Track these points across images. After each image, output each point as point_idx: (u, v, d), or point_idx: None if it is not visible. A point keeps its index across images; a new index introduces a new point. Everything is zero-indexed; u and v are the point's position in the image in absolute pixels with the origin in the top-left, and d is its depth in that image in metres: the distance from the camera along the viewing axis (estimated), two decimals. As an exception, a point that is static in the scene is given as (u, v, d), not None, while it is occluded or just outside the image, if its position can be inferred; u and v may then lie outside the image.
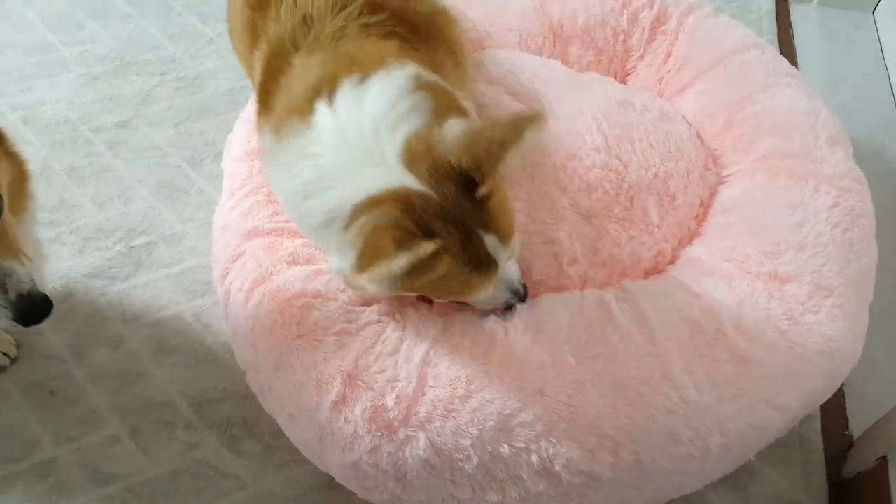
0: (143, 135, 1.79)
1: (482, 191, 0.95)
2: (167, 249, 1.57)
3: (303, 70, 1.06)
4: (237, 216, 1.33)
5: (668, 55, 1.59)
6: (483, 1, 1.64)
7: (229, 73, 1.89)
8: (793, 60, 2.07)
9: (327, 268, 1.19)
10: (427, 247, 0.90)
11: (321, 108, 1.01)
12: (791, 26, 2.18)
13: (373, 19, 1.11)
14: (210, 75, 1.90)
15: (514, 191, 1.23)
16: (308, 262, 1.25)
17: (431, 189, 0.94)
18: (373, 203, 0.95)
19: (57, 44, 1.99)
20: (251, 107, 1.53)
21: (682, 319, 1.07)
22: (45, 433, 1.30)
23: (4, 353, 1.39)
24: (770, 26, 2.14)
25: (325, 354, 1.12)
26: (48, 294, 1.00)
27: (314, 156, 1.01)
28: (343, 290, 1.20)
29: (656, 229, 1.22)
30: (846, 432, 1.36)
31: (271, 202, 1.32)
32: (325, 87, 1.02)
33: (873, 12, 2.22)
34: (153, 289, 1.52)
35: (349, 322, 1.14)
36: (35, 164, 1.73)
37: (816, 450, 1.31)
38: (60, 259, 1.56)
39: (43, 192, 1.69)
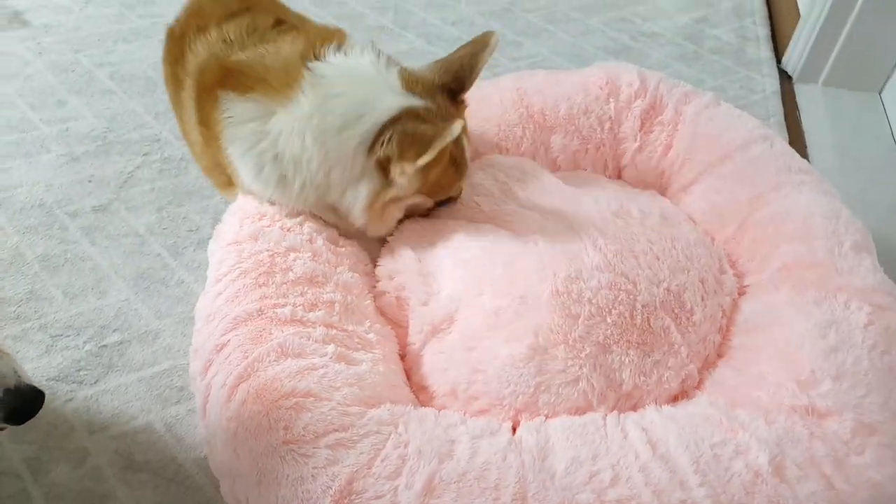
0: (123, 220, 1.68)
1: (463, 96, 1.29)
2: (141, 349, 1.46)
3: (268, 52, 1.32)
4: (223, 302, 1.15)
5: (669, 147, 1.47)
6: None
7: (216, 152, 1.81)
8: (801, 143, 2.02)
9: (320, 361, 1.06)
10: (457, 126, 1.12)
11: (318, 65, 1.24)
12: (797, 107, 2.15)
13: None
14: (195, 156, 1.82)
15: (522, 324, 1.10)
16: (299, 355, 1.07)
17: (428, 103, 1.21)
18: (393, 120, 1.19)
19: (37, 122, 1.85)
20: (243, 198, 1.45)
21: (715, 458, 0.93)
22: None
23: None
24: (776, 107, 2.10)
25: (314, 470, 0.96)
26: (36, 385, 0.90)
27: (340, 94, 1.22)
28: (337, 389, 1.06)
29: (681, 350, 1.10)
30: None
31: (260, 286, 1.16)
32: (309, 54, 1.26)
33: (880, 93, 2.20)
34: (123, 394, 1.39)
35: (344, 430, 0.99)
36: (5, 252, 1.62)
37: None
38: (26, 359, 1.42)
39: (12, 283, 1.56)
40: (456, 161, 1.26)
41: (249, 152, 1.30)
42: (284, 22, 1.43)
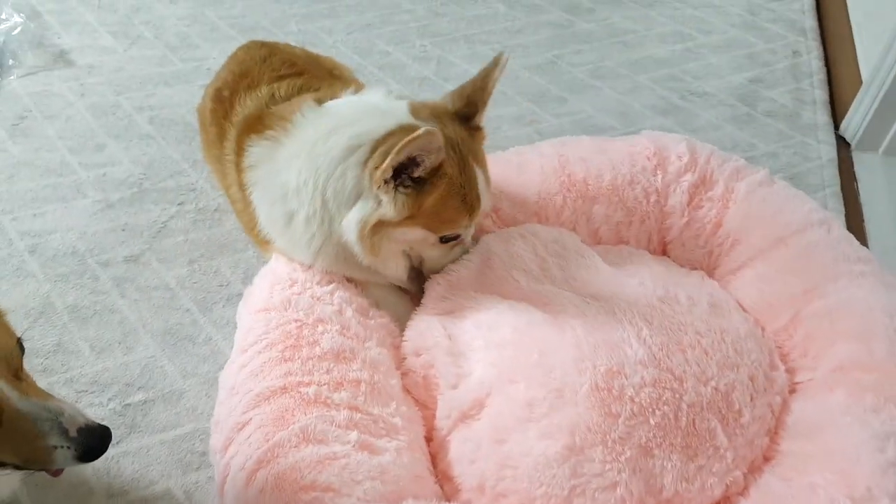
0: (154, 272, 1.69)
1: (477, 119, 1.30)
2: (164, 409, 1.46)
3: (294, 101, 1.41)
4: (246, 376, 1.16)
5: (718, 225, 1.43)
6: (504, 163, 1.53)
7: (251, 203, 1.83)
8: (859, 216, 1.96)
9: (342, 449, 1.05)
10: (426, 129, 1.11)
11: (330, 102, 1.36)
12: (855, 178, 2.08)
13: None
14: (230, 208, 1.82)
15: (557, 419, 1.07)
16: (321, 441, 1.06)
17: (432, 124, 1.21)
18: (389, 135, 1.21)
19: (75, 165, 1.90)
20: (276, 260, 1.46)
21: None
22: None
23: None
24: (832, 176, 2.03)
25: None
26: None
27: (333, 115, 1.30)
28: (359, 483, 1.03)
29: (727, 455, 1.05)
30: None
31: (286, 360, 1.16)
32: (326, 98, 1.38)
33: (945, 162, 2.13)
34: (145, 457, 1.39)
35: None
36: (36, 301, 1.64)
37: None
38: (48, 414, 1.45)
39: (41, 334, 1.58)
40: (462, 191, 1.24)
41: (264, 192, 1.37)
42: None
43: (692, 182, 1.47)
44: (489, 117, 2.13)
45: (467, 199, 1.25)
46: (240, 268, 1.68)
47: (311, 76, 1.59)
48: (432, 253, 1.33)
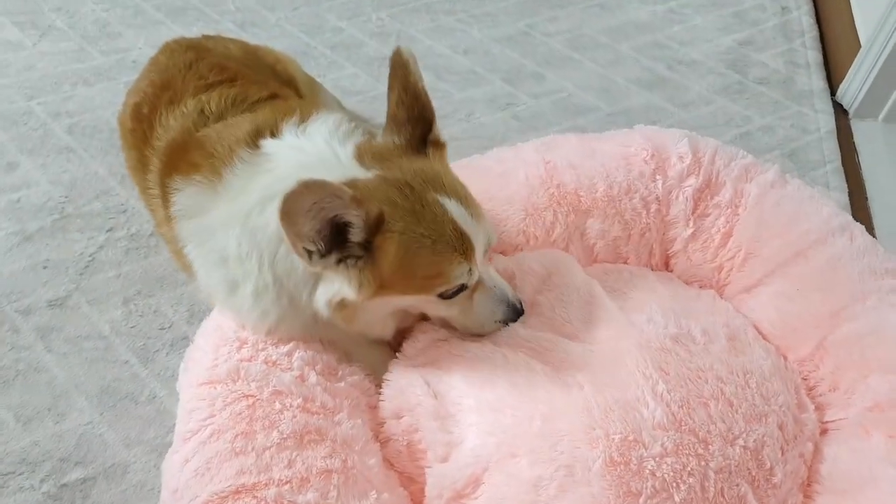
0: (84, 317, 1.48)
1: (433, 135, 1.10)
2: (107, 488, 1.27)
3: (226, 128, 1.20)
4: (191, 475, 0.99)
5: (728, 235, 1.30)
6: (483, 173, 1.36)
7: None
8: (861, 193, 1.84)
9: None
10: (301, 183, 0.89)
11: (269, 143, 1.13)
12: (856, 150, 1.95)
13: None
14: (168, 232, 1.63)
15: (569, 502, 0.94)
16: None
17: (375, 170, 1.05)
18: None
19: None
20: (218, 314, 1.26)
21: None
22: None
23: None
24: (833, 151, 1.90)
25: None
26: None
27: (270, 170, 1.09)
28: None
29: None
30: None
31: (237, 453, 0.99)
32: (265, 131, 1.16)
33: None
34: (88, 549, 1.24)
35: None
36: (-55, 363, 1.46)
37: None
38: (-31, 503, 1.28)
39: (-47, 404, 1.41)
40: (429, 239, 1.01)
41: (199, 250, 1.17)
42: (279, 97, 1.33)
43: (696, 187, 1.32)
44: (458, 100, 1.97)
45: (438, 245, 1.02)
46: (182, 304, 1.50)
47: (246, 82, 1.38)
48: (448, 312, 1.12)
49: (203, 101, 1.29)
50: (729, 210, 1.31)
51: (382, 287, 1.01)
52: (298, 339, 1.13)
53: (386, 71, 1.06)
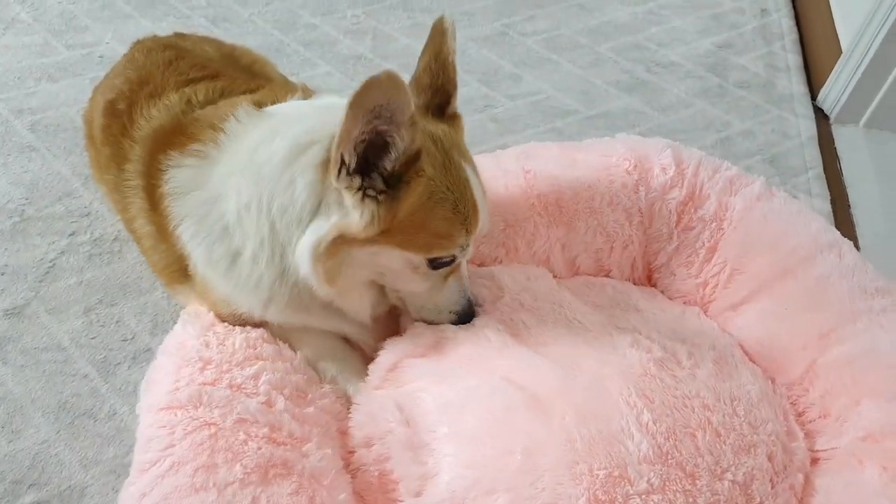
0: (42, 327, 1.35)
1: (451, 107, 1.06)
2: (63, 513, 1.19)
3: (224, 106, 1.12)
4: None
5: (713, 250, 1.22)
6: None
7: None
8: (844, 201, 1.77)
9: None
10: (387, 72, 0.83)
11: (272, 108, 1.09)
12: (837, 156, 1.88)
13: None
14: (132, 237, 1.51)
15: None
16: None
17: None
18: None
19: None
20: (184, 325, 1.15)
21: None
22: None
23: None
24: (814, 157, 1.82)
25: None
26: None
27: (280, 117, 1.04)
28: None
29: None
30: None
31: (197, 489, 0.89)
32: (266, 102, 1.12)
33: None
34: (41, 578, 1.13)
35: None
36: None
37: None
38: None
39: None
40: (451, 195, 0.98)
41: (198, 227, 1.08)
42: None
43: (680, 199, 1.24)
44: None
45: (459, 205, 0.99)
46: (146, 314, 1.38)
47: (229, 78, 1.29)
48: (418, 287, 1.05)
49: (188, 93, 1.21)
50: (714, 224, 1.23)
51: (387, 232, 0.95)
52: (285, 322, 1.08)
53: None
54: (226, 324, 1.11)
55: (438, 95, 1.05)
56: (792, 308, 1.13)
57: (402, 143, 0.91)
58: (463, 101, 1.85)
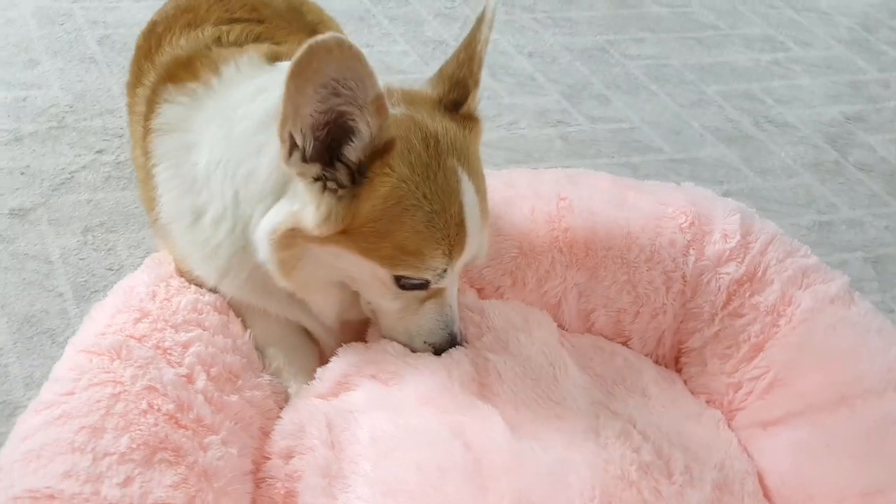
0: (39, 235, 1.28)
1: (469, 105, 0.91)
2: (-3, 426, 1.11)
3: (241, 51, 1.02)
4: (21, 455, 0.77)
5: (758, 349, 0.99)
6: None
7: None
8: None
9: None
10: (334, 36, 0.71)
11: (283, 64, 0.92)
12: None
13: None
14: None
15: None
16: None
17: (408, 112, 0.86)
18: None
19: None
20: (144, 270, 1.05)
21: None
22: None
23: None
24: None
25: None
26: None
27: (272, 71, 0.94)
28: None
29: None
30: None
31: (75, 449, 0.77)
32: (285, 55, 0.99)
33: None
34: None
35: None
36: None
37: None
38: None
39: None
40: (430, 206, 0.82)
41: (171, 173, 0.98)
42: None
43: (735, 277, 1.02)
44: (505, 105, 1.69)
45: (436, 220, 0.82)
46: (140, 249, 1.31)
47: (273, 27, 1.18)
48: (389, 304, 0.89)
49: (222, 31, 1.11)
50: (769, 317, 1.00)
51: (346, 233, 0.81)
52: (241, 299, 0.96)
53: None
54: (183, 279, 0.99)
55: (456, 90, 0.91)
56: (837, 448, 0.88)
57: (366, 129, 0.76)
58: (537, 110, 1.70)
